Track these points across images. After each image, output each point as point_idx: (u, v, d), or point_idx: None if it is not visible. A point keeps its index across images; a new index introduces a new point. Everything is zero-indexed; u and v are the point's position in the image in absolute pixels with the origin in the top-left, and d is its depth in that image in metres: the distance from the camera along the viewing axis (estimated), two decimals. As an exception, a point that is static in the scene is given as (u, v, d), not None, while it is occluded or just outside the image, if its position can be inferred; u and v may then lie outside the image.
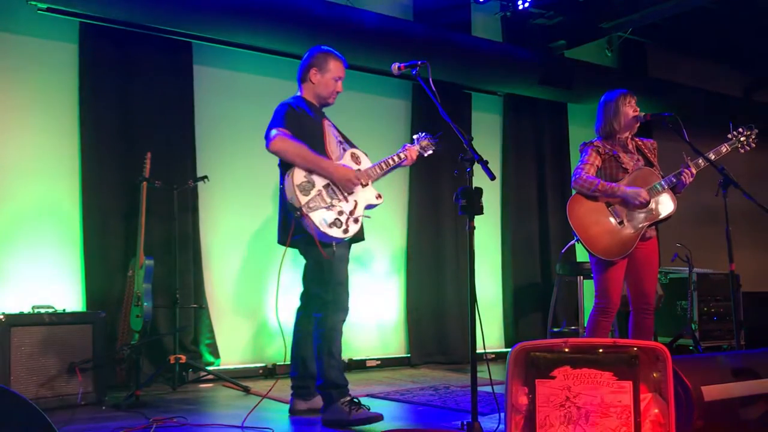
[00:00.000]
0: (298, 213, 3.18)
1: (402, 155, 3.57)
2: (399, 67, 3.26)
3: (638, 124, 3.74)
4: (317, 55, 3.51)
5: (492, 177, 2.73)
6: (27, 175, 4.42)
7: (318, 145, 3.36)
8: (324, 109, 3.58)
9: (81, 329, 3.82)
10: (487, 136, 6.32)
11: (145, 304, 4.20)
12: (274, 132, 3.28)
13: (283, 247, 3.39)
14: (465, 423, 2.62)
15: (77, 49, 4.59)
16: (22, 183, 4.40)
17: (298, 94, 3.54)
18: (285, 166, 3.32)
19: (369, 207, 3.44)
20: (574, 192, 3.75)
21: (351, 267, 5.56)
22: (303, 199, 3.18)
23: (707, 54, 7.71)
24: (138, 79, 4.76)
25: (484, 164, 2.76)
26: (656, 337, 5.90)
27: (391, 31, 5.33)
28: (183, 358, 4.37)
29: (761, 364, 2.74)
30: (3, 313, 3.61)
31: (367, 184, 3.43)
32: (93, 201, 4.53)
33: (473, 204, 2.69)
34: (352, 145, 3.58)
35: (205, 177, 4.64)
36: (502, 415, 2.26)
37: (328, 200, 3.26)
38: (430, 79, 3.04)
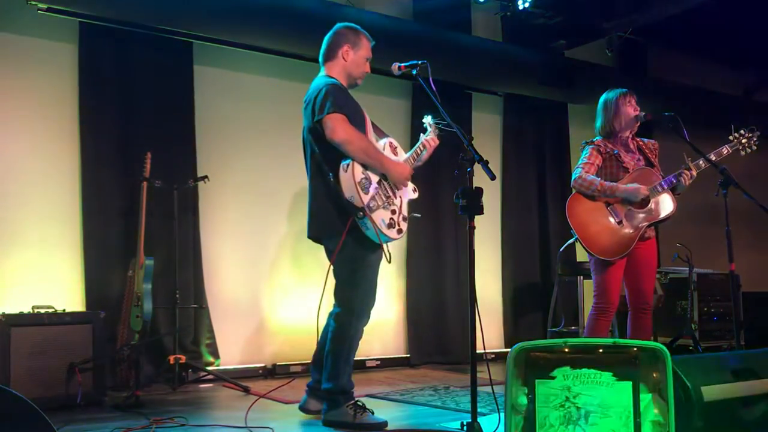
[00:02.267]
0: (361, 213, 3.02)
1: (425, 144, 3.44)
2: (399, 67, 3.24)
3: (639, 124, 3.74)
4: (347, 32, 3.31)
5: (492, 177, 2.72)
6: (27, 174, 4.42)
7: (361, 131, 3.18)
8: None
9: (81, 329, 3.82)
10: (487, 136, 6.32)
11: (145, 304, 4.20)
12: (331, 121, 3.03)
13: (303, 238, 3.34)
14: (465, 423, 2.62)
15: (77, 49, 4.58)
16: (22, 183, 4.40)
17: (324, 73, 3.32)
18: (331, 158, 3.10)
19: (409, 203, 3.34)
20: (573, 191, 3.75)
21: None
22: (365, 198, 3.02)
23: (707, 54, 7.71)
24: (138, 79, 4.75)
25: (485, 164, 2.75)
26: (656, 337, 5.90)
27: (391, 31, 5.33)
28: (183, 359, 4.37)
29: (761, 364, 2.74)
30: (3, 313, 3.61)
31: None
32: (93, 201, 4.53)
33: (473, 204, 2.68)
34: (383, 133, 3.42)
35: (205, 177, 4.63)
36: (502, 415, 2.26)
37: (384, 198, 3.13)
38: (431, 79, 3.03)
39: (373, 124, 3.40)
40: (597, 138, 3.79)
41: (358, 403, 3.21)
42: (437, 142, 3.50)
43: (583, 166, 3.69)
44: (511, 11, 6.13)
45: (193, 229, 4.86)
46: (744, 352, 3.40)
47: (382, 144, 3.32)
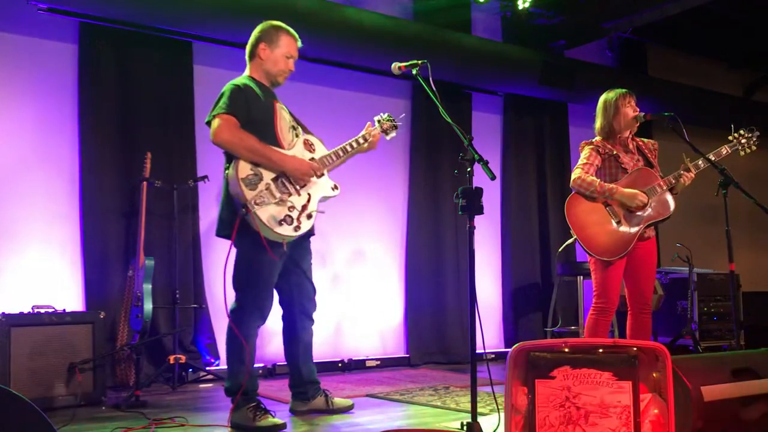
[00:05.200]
0: (244, 210, 2.98)
1: (361, 139, 3.40)
2: (399, 67, 3.24)
3: (638, 124, 3.74)
4: (267, 29, 3.31)
5: (492, 177, 2.72)
6: (27, 174, 4.42)
7: (268, 130, 3.18)
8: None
9: (81, 329, 3.81)
10: (487, 136, 6.32)
11: (145, 304, 4.20)
12: (217, 122, 3.06)
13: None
14: (465, 423, 2.62)
15: (77, 49, 4.59)
16: (22, 182, 4.40)
17: (246, 73, 3.34)
18: (229, 155, 3.13)
19: (324, 199, 3.26)
20: (572, 192, 3.74)
21: (351, 266, 5.59)
22: (249, 194, 2.98)
23: (707, 54, 7.72)
24: (138, 79, 4.76)
25: (485, 164, 2.76)
26: (656, 337, 5.90)
27: (391, 31, 5.33)
28: (183, 358, 4.37)
29: (761, 364, 2.74)
30: (3, 313, 3.61)
31: (322, 175, 3.25)
32: (93, 201, 4.53)
33: (473, 204, 2.68)
34: (306, 131, 3.39)
35: (205, 177, 4.64)
36: (502, 415, 2.26)
37: (278, 195, 3.05)
38: (431, 79, 3.03)
39: (296, 120, 3.37)
40: (596, 138, 3.79)
41: (260, 405, 3.18)
42: (376, 134, 3.45)
43: (582, 166, 3.68)
44: (511, 11, 6.13)
45: (193, 229, 4.86)
46: (744, 352, 3.40)
47: (297, 142, 3.27)
